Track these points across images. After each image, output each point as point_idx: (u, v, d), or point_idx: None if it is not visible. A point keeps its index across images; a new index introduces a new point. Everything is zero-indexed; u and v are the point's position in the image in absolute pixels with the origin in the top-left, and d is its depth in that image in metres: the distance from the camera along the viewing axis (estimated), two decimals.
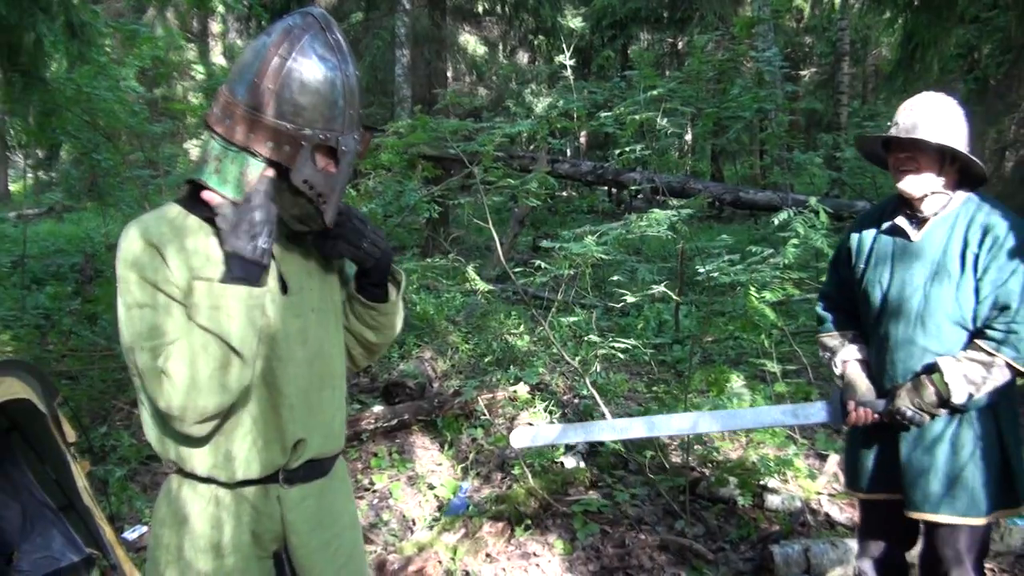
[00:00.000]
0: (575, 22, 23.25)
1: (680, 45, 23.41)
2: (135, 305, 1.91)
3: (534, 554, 4.76)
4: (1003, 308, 2.90)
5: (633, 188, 11.62)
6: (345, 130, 1.98)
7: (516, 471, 5.68)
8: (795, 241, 5.39)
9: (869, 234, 3.28)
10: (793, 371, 6.95)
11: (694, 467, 5.64)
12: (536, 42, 22.92)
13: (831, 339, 3.41)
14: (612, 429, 3.85)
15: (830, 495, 5.27)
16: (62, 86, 7.66)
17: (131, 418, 6.52)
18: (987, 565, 3.73)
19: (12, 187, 27.44)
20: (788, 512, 5.08)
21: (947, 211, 3.07)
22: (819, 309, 3.51)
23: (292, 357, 2.06)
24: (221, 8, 17.34)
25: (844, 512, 5.06)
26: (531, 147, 17.08)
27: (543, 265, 5.78)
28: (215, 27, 22.91)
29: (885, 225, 3.21)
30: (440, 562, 4.56)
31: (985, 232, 2.95)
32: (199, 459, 2.02)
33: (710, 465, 5.75)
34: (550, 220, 16.95)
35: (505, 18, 21.72)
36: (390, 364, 8.01)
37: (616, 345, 5.50)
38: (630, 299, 5.76)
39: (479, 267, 8.58)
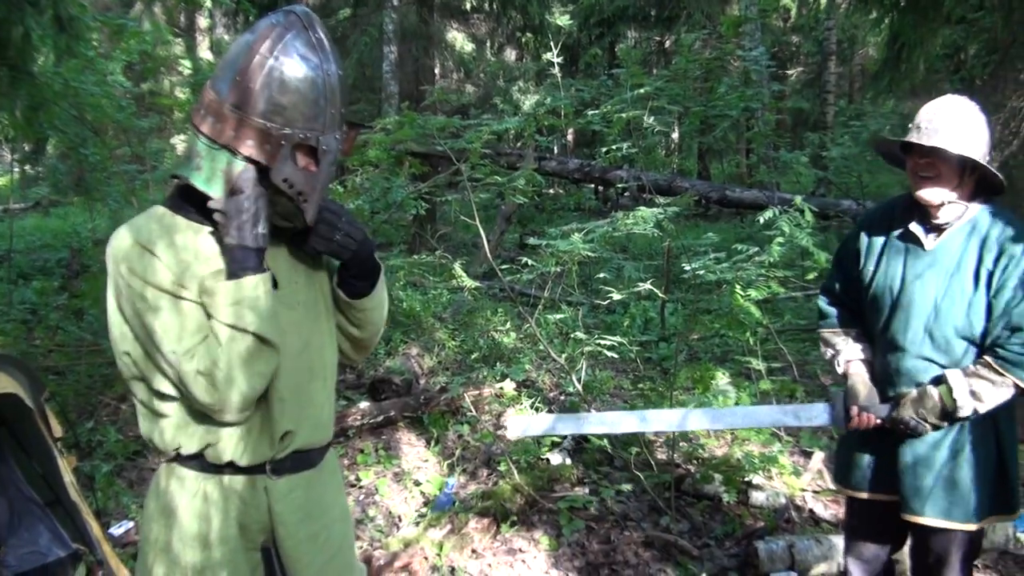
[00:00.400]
0: (563, 19, 23.20)
1: (667, 43, 23.44)
2: (148, 311, 1.95)
3: (520, 550, 4.78)
4: (1016, 329, 2.86)
5: (620, 186, 11.67)
6: (326, 129, 2.00)
7: (502, 467, 5.70)
8: (780, 240, 5.41)
9: (879, 236, 3.21)
10: (778, 369, 6.99)
11: (679, 464, 5.67)
12: (524, 39, 22.87)
13: (834, 335, 3.36)
14: (603, 422, 3.84)
15: (815, 492, 5.30)
16: (50, 80, 7.63)
17: (117, 413, 6.51)
18: None
19: None
20: (773, 508, 5.11)
21: (962, 222, 3.01)
22: (822, 303, 3.46)
23: (284, 351, 2.08)
24: (208, 3, 17.32)
25: (828, 509, 5.10)
26: (518, 144, 17.10)
27: (530, 262, 5.78)
28: (202, 22, 22.78)
29: (897, 230, 3.14)
30: (426, 558, 4.57)
31: (1001, 250, 2.90)
32: (191, 448, 2.06)
33: (695, 462, 5.77)
34: (537, 217, 16.94)
35: (493, 15, 21.69)
36: (376, 360, 8.01)
37: (602, 342, 5.51)
38: (616, 296, 5.77)
39: (466, 264, 8.59)
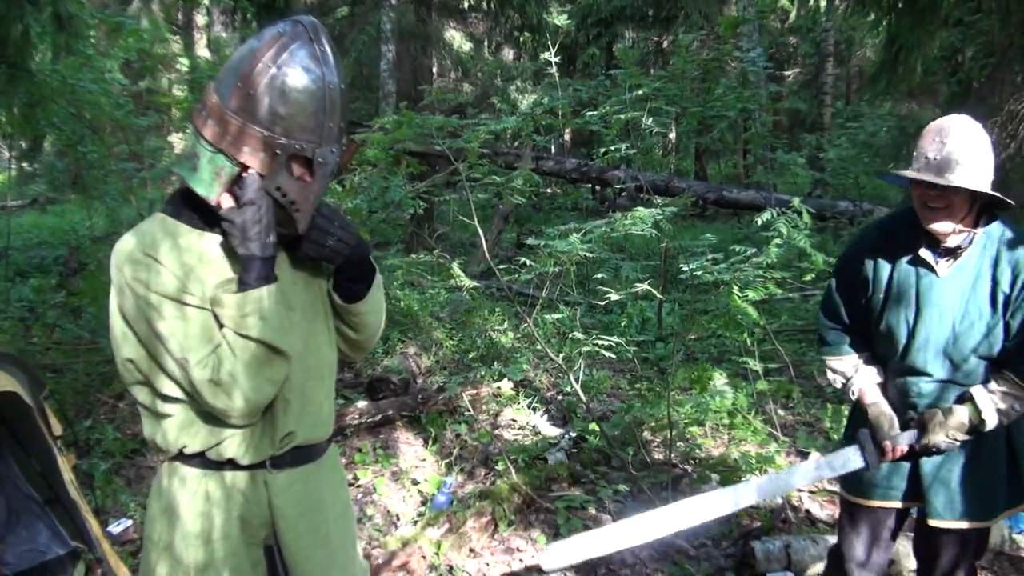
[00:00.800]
0: (560, 19, 23.24)
1: (665, 44, 23.41)
2: (154, 317, 1.97)
3: (517, 549, 4.79)
4: None
5: (617, 186, 11.65)
6: (324, 142, 2.00)
7: (500, 467, 5.71)
8: (778, 241, 5.42)
9: (886, 261, 3.09)
10: (775, 369, 7.00)
11: (676, 464, 5.68)
12: (521, 39, 22.86)
13: (840, 363, 3.26)
14: (638, 527, 3.17)
15: (811, 492, 5.31)
16: (48, 77, 7.63)
17: (115, 412, 6.51)
18: None
19: None
20: (769, 509, 5.11)
21: (974, 246, 2.94)
22: (824, 331, 3.33)
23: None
24: (206, 0, 17.30)
25: (825, 509, 5.11)
26: (516, 144, 17.08)
27: (528, 262, 5.79)
28: (200, 19, 22.76)
29: (905, 255, 3.04)
30: (424, 557, 4.58)
31: (1015, 271, 2.87)
32: (195, 448, 2.09)
33: (692, 462, 5.79)
34: (535, 217, 16.96)
35: (491, 14, 21.67)
36: (374, 360, 8.01)
37: (600, 342, 5.52)
38: (614, 297, 5.78)
39: (464, 263, 8.61)
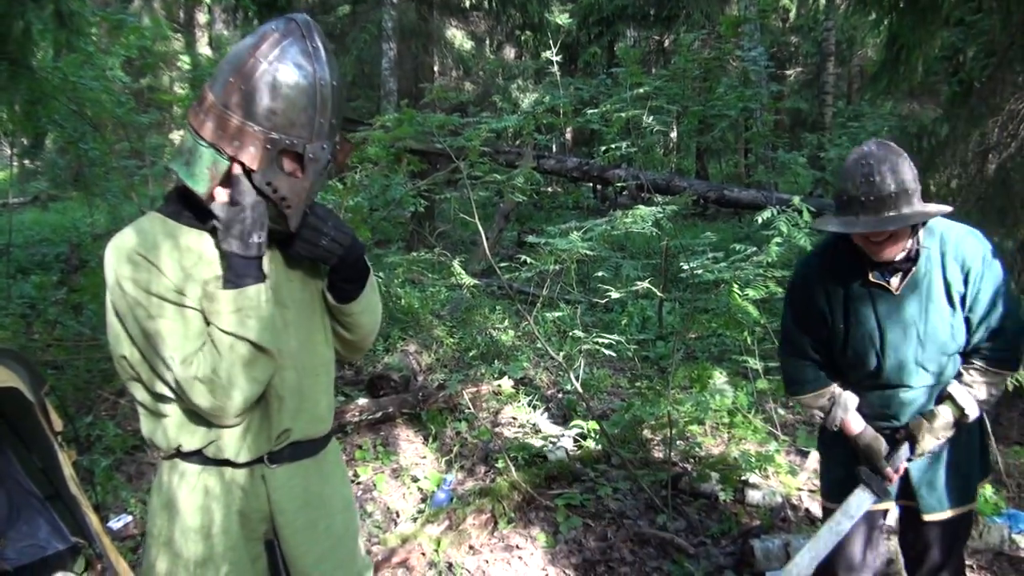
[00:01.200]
0: (562, 18, 23.21)
1: (666, 43, 23.41)
2: (147, 317, 1.98)
3: (517, 547, 4.80)
4: (996, 331, 2.93)
5: (618, 185, 11.67)
6: (314, 138, 2.01)
7: (500, 464, 5.72)
8: (778, 240, 5.43)
9: (837, 289, 3.06)
10: (775, 368, 6.99)
11: (676, 462, 5.68)
12: (523, 37, 22.84)
13: (818, 399, 3.20)
14: None
15: (810, 491, 5.32)
16: (49, 75, 7.63)
17: (116, 408, 6.51)
18: (966, 562, 3.76)
19: None
20: (769, 507, 5.13)
21: (920, 256, 2.94)
22: (792, 370, 3.28)
23: (281, 349, 2.10)
24: None
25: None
26: (517, 143, 17.08)
27: (528, 260, 5.80)
28: (201, 18, 22.81)
29: (855, 280, 3.02)
30: (424, 554, 4.59)
31: (963, 267, 2.90)
32: (193, 446, 2.10)
33: (692, 460, 5.79)
34: (535, 216, 16.97)
35: (492, 13, 21.63)
36: (375, 357, 8.02)
37: (600, 341, 5.53)
38: (614, 295, 5.79)
39: (464, 261, 8.60)
